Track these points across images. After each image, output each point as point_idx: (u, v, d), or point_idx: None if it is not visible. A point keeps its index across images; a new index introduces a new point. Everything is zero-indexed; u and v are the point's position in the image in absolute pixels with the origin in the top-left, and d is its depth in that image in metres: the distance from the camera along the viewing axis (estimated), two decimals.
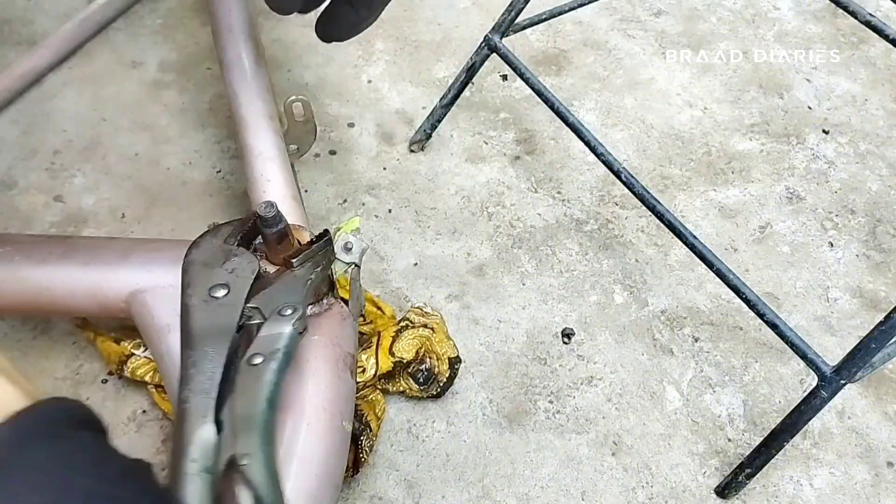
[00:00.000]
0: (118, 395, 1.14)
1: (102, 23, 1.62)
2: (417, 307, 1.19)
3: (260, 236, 0.92)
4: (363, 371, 1.10)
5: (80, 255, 1.04)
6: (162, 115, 1.48)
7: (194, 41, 1.61)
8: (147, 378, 1.10)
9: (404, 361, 1.12)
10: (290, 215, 1.10)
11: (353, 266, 0.98)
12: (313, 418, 0.90)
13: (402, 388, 1.15)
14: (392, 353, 1.11)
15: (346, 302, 1.00)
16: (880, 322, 0.93)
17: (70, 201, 1.34)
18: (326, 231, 0.92)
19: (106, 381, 1.15)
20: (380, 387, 1.14)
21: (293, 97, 1.21)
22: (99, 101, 1.50)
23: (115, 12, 1.64)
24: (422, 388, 1.15)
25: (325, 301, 0.97)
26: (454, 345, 1.18)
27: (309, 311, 0.96)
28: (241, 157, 1.19)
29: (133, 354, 1.12)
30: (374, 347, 1.12)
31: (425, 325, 1.15)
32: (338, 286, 0.99)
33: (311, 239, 0.91)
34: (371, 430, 1.08)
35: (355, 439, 1.06)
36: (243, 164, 1.18)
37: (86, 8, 1.61)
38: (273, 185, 1.13)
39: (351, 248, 0.97)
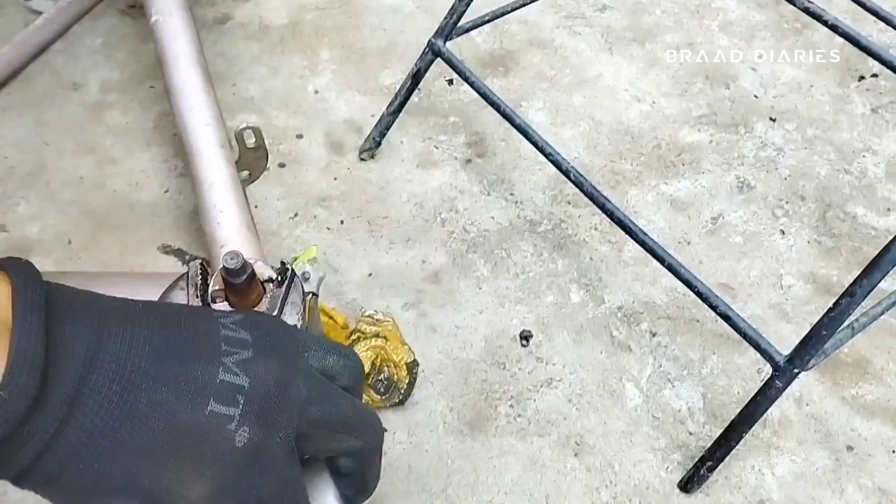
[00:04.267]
0: None
1: (42, 45, 1.59)
2: (368, 315, 1.18)
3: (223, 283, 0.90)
4: None
5: None
6: (106, 136, 1.46)
7: (136, 59, 1.58)
8: None
9: None
10: (246, 244, 1.08)
11: (311, 295, 0.97)
12: None
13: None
14: None
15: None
16: (829, 308, 0.94)
17: (14, 230, 1.32)
18: (285, 265, 0.91)
19: None
20: None
21: (244, 125, 1.19)
22: (41, 126, 1.47)
23: (54, 34, 1.61)
24: (383, 398, 1.14)
25: None
26: (410, 349, 1.17)
27: None
28: (194, 187, 1.17)
29: None
30: None
31: (377, 335, 1.15)
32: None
33: (276, 278, 0.88)
34: None
35: None
36: (196, 194, 1.16)
37: (23, 30, 1.57)
38: (227, 216, 1.11)
39: (308, 278, 0.96)
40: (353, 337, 1.14)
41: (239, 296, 0.90)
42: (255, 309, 0.91)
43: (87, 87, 1.54)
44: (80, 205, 1.36)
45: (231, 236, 1.09)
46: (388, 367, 1.15)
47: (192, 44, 1.34)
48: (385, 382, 1.14)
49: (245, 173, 1.24)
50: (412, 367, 1.15)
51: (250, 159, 1.23)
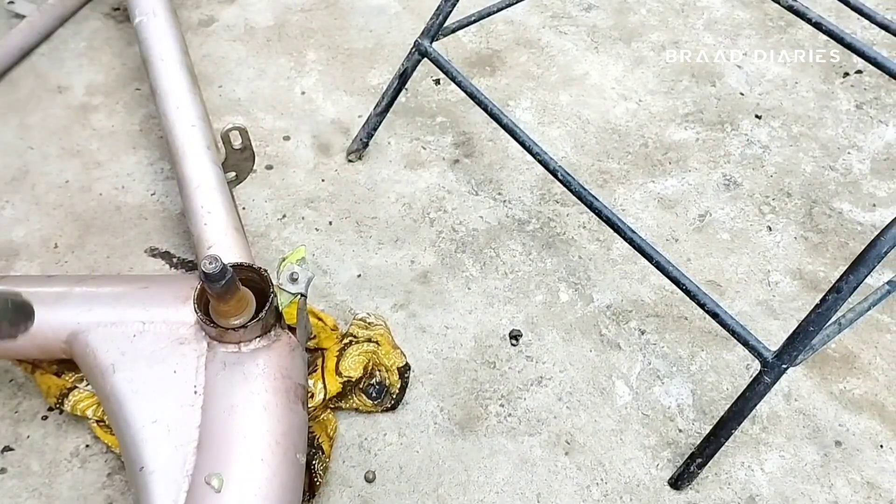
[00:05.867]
0: (59, 430, 1.11)
1: (25, 48, 1.58)
2: (360, 318, 1.18)
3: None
4: (312, 396, 1.08)
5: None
6: (91, 139, 1.45)
7: (121, 62, 1.58)
8: (89, 413, 1.07)
9: (353, 380, 1.11)
10: (234, 246, 1.08)
11: (299, 296, 0.96)
12: (267, 454, 0.88)
13: (355, 405, 1.14)
14: (339, 373, 1.10)
15: (293, 330, 0.98)
16: (816, 305, 0.94)
17: None
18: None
19: (46, 417, 1.12)
20: (332, 406, 1.13)
21: (230, 125, 1.18)
22: (25, 129, 1.46)
23: (38, 37, 1.60)
24: (375, 402, 1.14)
25: (272, 333, 0.96)
26: (402, 353, 1.17)
27: (258, 343, 0.94)
28: (180, 189, 1.16)
29: (75, 388, 1.09)
30: (319, 370, 1.10)
31: (369, 340, 1.14)
32: (284, 316, 0.97)
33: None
34: (323, 452, 1.07)
35: (308, 464, 1.04)
36: (182, 195, 1.16)
37: (6, 33, 1.56)
38: (214, 217, 1.11)
39: (297, 279, 0.96)
40: (346, 341, 1.14)
41: (217, 303, 0.90)
42: (240, 316, 0.91)
43: (72, 90, 1.53)
44: (66, 208, 1.35)
45: (218, 238, 1.08)
46: (379, 371, 1.14)
47: (178, 44, 1.34)
48: (377, 387, 1.14)
49: (232, 174, 1.24)
50: (404, 371, 1.15)
51: (237, 160, 1.23)
